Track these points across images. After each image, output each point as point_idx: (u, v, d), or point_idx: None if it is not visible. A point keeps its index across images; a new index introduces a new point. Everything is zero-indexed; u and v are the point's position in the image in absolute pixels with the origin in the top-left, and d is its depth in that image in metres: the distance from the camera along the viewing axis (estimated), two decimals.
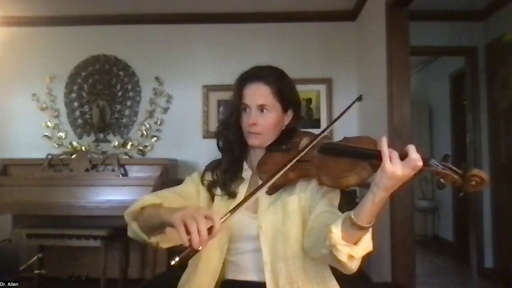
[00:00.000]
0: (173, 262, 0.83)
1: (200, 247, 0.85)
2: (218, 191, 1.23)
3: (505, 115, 3.42)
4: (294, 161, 1.04)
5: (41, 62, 3.85)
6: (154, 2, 3.58)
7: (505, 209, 3.42)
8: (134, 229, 1.09)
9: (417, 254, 2.68)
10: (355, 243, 0.93)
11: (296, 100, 1.26)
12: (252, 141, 1.21)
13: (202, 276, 1.15)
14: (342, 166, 1.01)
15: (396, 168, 0.85)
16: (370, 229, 0.94)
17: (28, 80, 3.84)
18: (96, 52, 3.84)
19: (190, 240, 0.85)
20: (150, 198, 1.12)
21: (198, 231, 0.85)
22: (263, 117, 1.19)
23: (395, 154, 0.86)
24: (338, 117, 1.17)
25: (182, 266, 0.93)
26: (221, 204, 1.21)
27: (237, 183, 1.23)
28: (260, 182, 1.13)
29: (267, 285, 1.10)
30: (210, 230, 0.87)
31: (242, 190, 1.22)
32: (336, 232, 0.93)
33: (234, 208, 0.93)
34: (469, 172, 0.83)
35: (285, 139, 1.22)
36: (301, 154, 1.06)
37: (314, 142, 1.08)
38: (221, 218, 0.89)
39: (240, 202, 0.94)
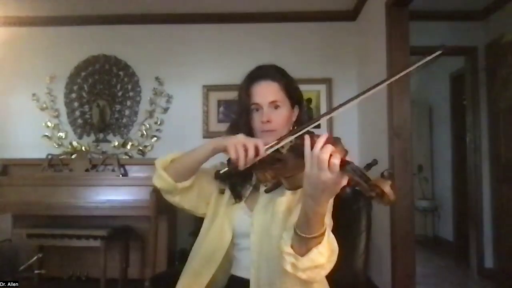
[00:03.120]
0: (222, 171, 1.07)
1: (244, 166, 1.03)
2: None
3: (505, 115, 3.41)
4: (259, 157, 1.05)
5: (41, 62, 3.85)
6: (154, 2, 3.58)
7: (505, 209, 3.42)
8: (162, 175, 1.18)
9: (417, 254, 2.67)
10: (304, 254, 0.90)
11: (300, 97, 1.27)
12: (267, 139, 1.15)
13: (198, 262, 1.18)
14: (295, 166, 0.96)
15: (309, 169, 0.80)
16: (325, 241, 0.89)
17: (28, 80, 3.84)
18: (96, 52, 3.84)
19: (237, 159, 1.02)
20: (179, 152, 1.24)
21: (247, 153, 1.02)
22: (276, 114, 1.18)
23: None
24: (394, 77, 1.09)
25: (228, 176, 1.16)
26: (229, 201, 1.22)
27: (246, 186, 1.23)
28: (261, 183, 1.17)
29: (251, 284, 1.11)
30: (256, 153, 1.03)
31: (247, 190, 1.22)
32: (286, 239, 0.91)
33: (279, 139, 1.06)
34: (371, 181, 0.70)
35: None
36: (277, 146, 1.06)
37: (303, 131, 1.05)
38: (266, 146, 1.04)
39: (282, 138, 1.06)
